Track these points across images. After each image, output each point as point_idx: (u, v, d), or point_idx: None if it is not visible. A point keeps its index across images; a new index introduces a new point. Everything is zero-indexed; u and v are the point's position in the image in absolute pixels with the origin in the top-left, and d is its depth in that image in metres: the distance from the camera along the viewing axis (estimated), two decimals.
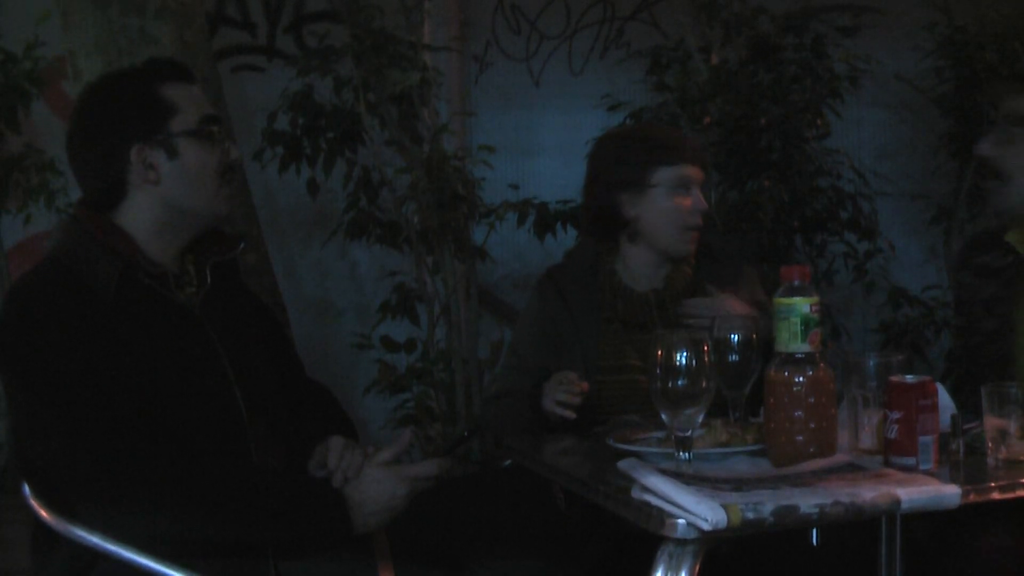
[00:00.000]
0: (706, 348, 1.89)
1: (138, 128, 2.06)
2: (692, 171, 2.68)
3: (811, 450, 1.90)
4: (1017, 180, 2.38)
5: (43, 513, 1.95)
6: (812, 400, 1.90)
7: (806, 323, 1.91)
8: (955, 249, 4.26)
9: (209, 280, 2.14)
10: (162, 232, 2.09)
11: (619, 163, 2.70)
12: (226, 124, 2.20)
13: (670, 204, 2.67)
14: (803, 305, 1.92)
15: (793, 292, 1.93)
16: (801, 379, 1.90)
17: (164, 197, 2.07)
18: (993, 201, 2.45)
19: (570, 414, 2.42)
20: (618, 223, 2.72)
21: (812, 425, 1.90)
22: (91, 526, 1.90)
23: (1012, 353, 2.38)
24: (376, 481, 1.97)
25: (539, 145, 4.75)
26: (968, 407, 2.08)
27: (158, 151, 2.06)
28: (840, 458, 1.90)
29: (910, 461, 1.85)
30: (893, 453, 1.87)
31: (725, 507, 1.62)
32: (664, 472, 1.78)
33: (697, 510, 1.62)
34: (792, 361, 1.92)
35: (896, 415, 1.86)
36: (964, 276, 2.58)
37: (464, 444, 2.06)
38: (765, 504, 1.65)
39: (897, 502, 1.70)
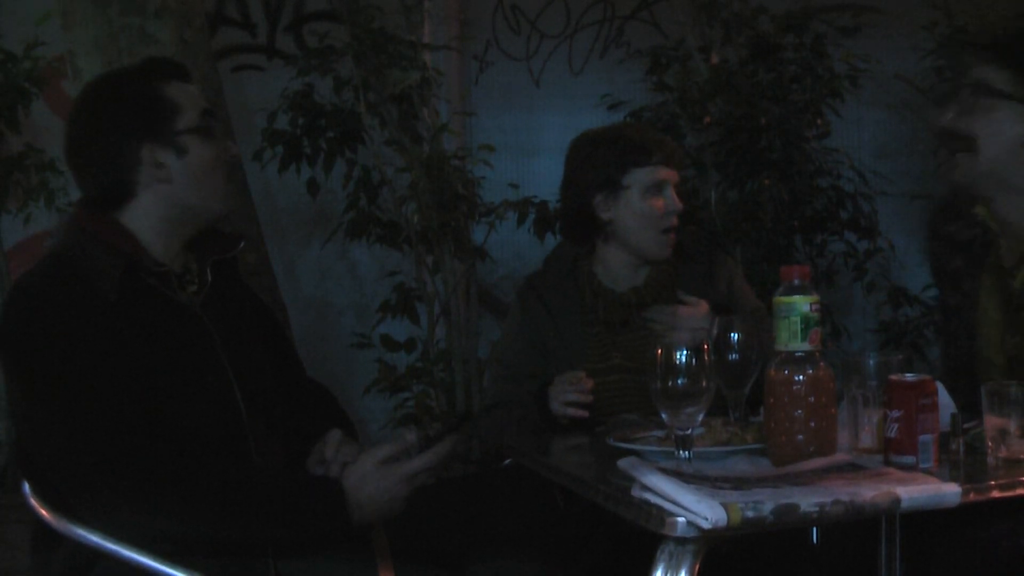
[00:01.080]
0: (706, 348, 1.89)
1: (147, 128, 2.07)
2: (665, 172, 2.69)
3: (811, 449, 1.90)
4: (985, 150, 2.29)
5: (43, 513, 1.95)
6: (812, 399, 1.90)
7: (806, 322, 1.91)
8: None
9: (210, 279, 2.14)
10: (167, 231, 2.09)
11: (592, 165, 2.71)
12: (224, 121, 2.22)
13: (644, 206, 2.68)
14: (803, 304, 1.92)
15: (793, 291, 1.93)
16: (801, 378, 1.90)
17: (174, 195, 2.08)
18: (959, 173, 2.32)
19: (583, 413, 2.43)
20: (594, 225, 2.73)
21: (812, 424, 1.90)
22: (91, 524, 1.90)
23: (975, 329, 2.35)
24: (375, 480, 1.97)
25: (539, 145, 4.75)
26: (968, 406, 2.08)
27: (167, 150, 2.07)
28: (840, 457, 1.90)
29: (910, 460, 1.85)
30: (893, 452, 1.87)
31: (725, 506, 1.62)
32: (664, 471, 1.78)
33: (697, 509, 1.62)
34: (792, 360, 1.91)
35: (896, 414, 1.86)
36: (935, 246, 2.54)
37: (454, 431, 2.05)
38: (765, 503, 1.65)
39: (897, 501, 1.70)
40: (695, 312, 2.58)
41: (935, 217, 2.55)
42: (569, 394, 2.45)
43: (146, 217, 2.08)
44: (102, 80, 2.25)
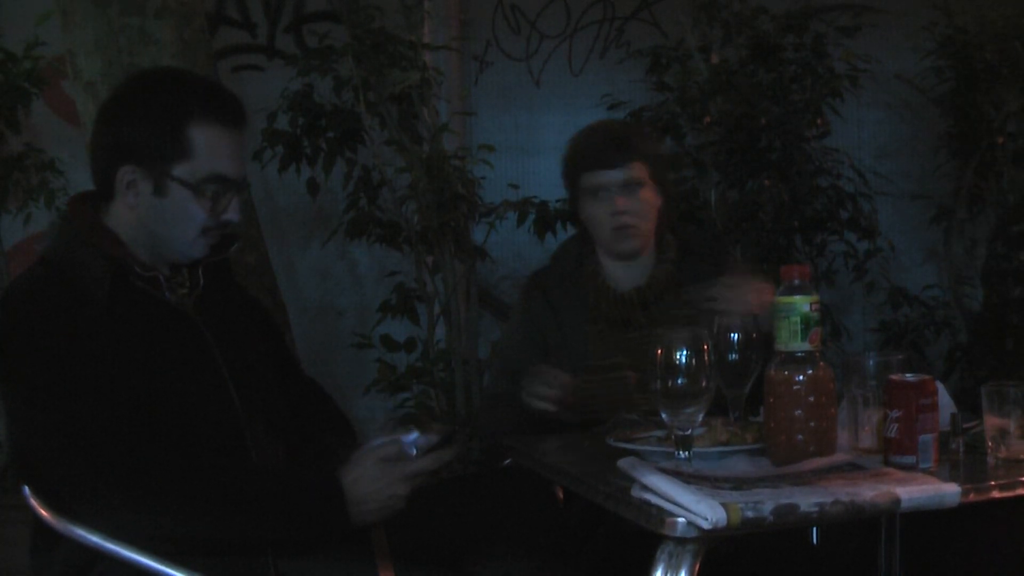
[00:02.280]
0: (706, 347, 1.89)
1: (141, 151, 2.02)
2: (604, 178, 2.69)
3: (811, 449, 1.90)
4: None
5: (43, 513, 1.95)
6: (812, 399, 1.90)
7: (806, 322, 1.91)
8: (955, 250, 4.27)
9: (202, 281, 2.13)
10: (142, 242, 2.07)
11: (564, 167, 2.78)
12: (242, 183, 2.09)
13: (594, 209, 2.71)
14: (803, 304, 1.92)
15: (793, 291, 1.93)
16: (801, 378, 1.90)
17: (140, 219, 2.05)
18: None
19: (547, 406, 2.43)
20: (579, 223, 2.80)
21: (812, 424, 1.90)
22: (90, 526, 1.90)
23: None
24: (374, 478, 1.97)
25: (539, 145, 4.75)
26: (968, 406, 2.08)
27: (146, 182, 2.03)
28: (840, 457, 1.90)
29: (910, 460, 1.85)
30: (893, 452, 1.87)
31: (725, 506, 1.62)
32: (664, 471, 1.78)
33: (697, 509, 1.62)
34: (792, 360, 1.92)
35: (896, 414, 1.86)
36: (997, 246, 2.55)
37: (457, 435, 2.06)
38: (765, 503, 1.65)
39: (897, 501, 1.70)
40: (738, 292, 2.42)
41: (1003, 218, 2.57)
42: (537, 386, 2.45)
43: (124, 221, 2.06)
44: (152, 77, 2.20)
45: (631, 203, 2.68)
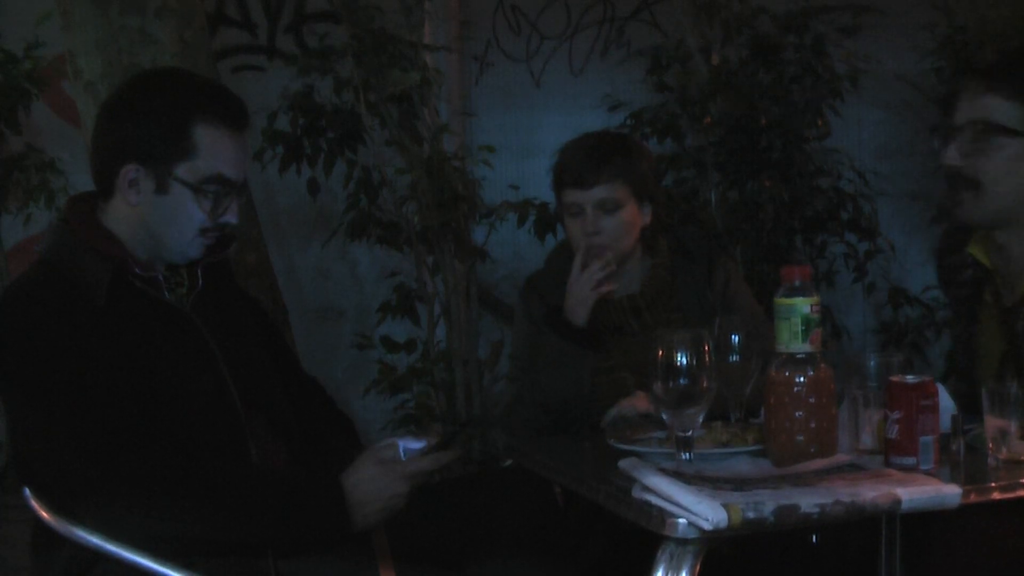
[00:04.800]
0: (707, 348, 1.89)
1: (145, 149, 2.03)
2: (577, 196, 2.68)
3: (812, 450, 1.90)
4: (991, 189, 2.22)
5: (43, 513, 1.95)
6: (813, 400, 1.90)
7: (807, 323, 1.91)
8: None
9: (201, 282, 2.13)
10: (141, 242, 2.08)
11: (551, 180, 2.79)
12: (242, 186, 2.11)
13: (570, 226, 2.72)
14: (804, 305, 1.92)
15: (794, 292, 1.93)
16: (802, 379, 1.91)
17: (140, 217, 2.06)
18: (966, 212, 2.28)
19: (610, 286, 2.58)
20: None
21: (812, 425, 1.90)
22: (91, 527, 1.90)
23: (976, 361, 2.35)
24: (375, 479, 1.97)
25: (539, 145, 4.74)
26: (969, 408, 2.08)
27: (149, 180, 2.03)
28: (841, 458, 1.91)
29: (910, 461, 1.85)
30: (893, 453, 1.87)
31: (726, 507, 1.62)
32: (665, 472, 1.78)
33: (698, 510, 1.63)
34: (793, 361, 1.92)
35: (896, 415, 1.86)
36: (939, 273, 2.52)
37: (457, 437, 2.07)
38: (766, 504, 1.65)
39: (898, 502, 1.71)
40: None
41: (941, 245, 2.51)
42: (594, 273, 2.55)
43: (122, 220, 2.06)
44: (156, 79, 2.21)
45: (605, 224, 2.66)
